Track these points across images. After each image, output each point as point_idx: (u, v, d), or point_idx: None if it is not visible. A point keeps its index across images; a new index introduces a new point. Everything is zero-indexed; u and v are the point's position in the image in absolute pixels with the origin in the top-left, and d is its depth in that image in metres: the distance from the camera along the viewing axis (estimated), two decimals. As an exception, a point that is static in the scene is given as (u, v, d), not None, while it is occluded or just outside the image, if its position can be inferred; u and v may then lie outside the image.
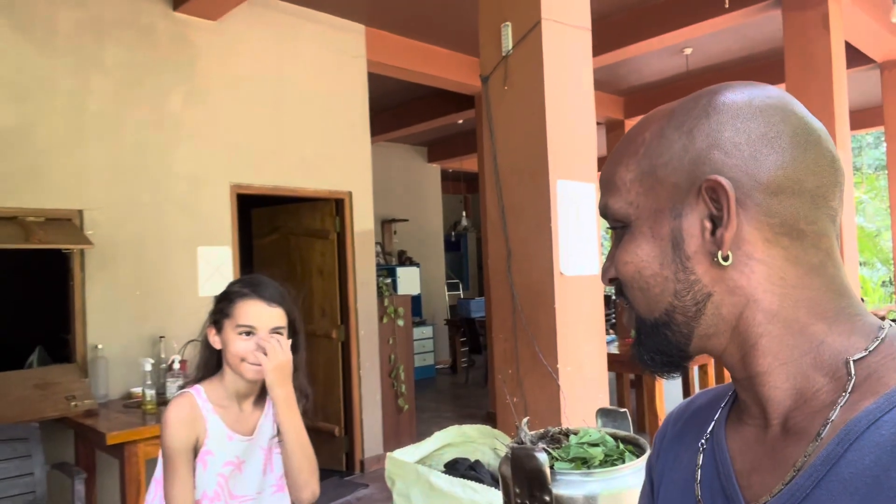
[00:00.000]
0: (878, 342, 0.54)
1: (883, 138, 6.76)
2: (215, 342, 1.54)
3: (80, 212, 3.54)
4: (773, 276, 0.56)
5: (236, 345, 1.49)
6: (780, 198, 0.55)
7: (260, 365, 1.49)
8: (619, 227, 0.63)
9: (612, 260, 0.65)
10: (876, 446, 0.48)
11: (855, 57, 5.66)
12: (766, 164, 0.55)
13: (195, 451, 1.49)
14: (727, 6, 4.39)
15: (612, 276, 0.65)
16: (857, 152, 13.94)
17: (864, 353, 0.53)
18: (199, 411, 1.51)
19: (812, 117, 0.58)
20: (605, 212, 0.65)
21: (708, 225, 0.57)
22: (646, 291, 0.61)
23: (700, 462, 0.64)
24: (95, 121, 3.65)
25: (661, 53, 6.01)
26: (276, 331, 1.53)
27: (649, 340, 0.62)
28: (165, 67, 3.95)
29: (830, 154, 0.57)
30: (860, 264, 10.97)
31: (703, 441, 0.65)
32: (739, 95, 0.58)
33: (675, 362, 0.62)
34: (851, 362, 0.53)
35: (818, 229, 0.56)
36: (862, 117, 7.95)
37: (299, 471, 1.51)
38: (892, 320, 0.61)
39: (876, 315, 0.58)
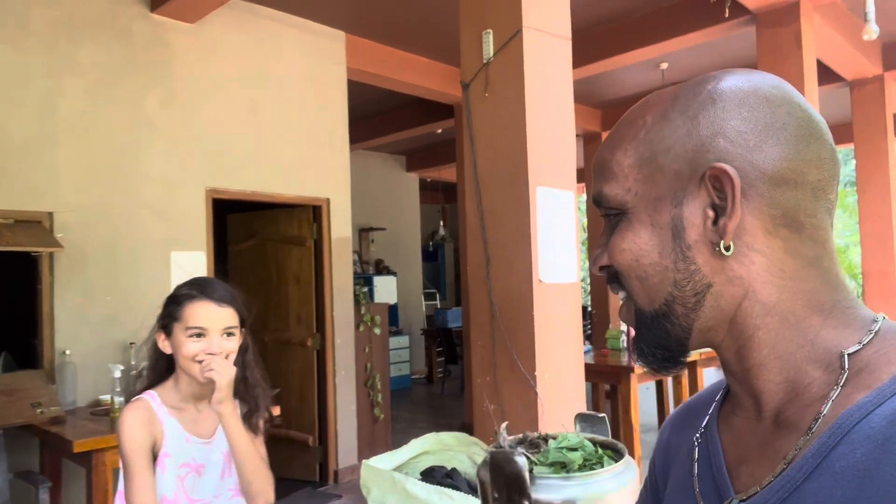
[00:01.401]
0: (871, 335, 0.54)
1: (852, 155, 6.92)
2: (165, 347, 1.52)
3: (51, 214, 3.46)
4: (772, 267, 0.56)
5: (188, 347, 1.47)
6: (782, 189, 0.55)
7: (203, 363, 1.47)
8: (614, 215, 0.61)
9: (604, 247, 0.62)
10: (867, 440, 0.48)
11: (826, 75, 5.79)
12: (770, 154, 0.55)
13: (154, 455, 1.46)
14: (727, 15, 4.45)
15: (605, 263, 0.63)
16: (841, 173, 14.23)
17: (857, 347, 0.53)
18: (154, 414, 1.49)
19: (813, 109, 0.58)
20: (599, 199, 0.62)
21: (710, 214, 0.56)
22: (644, 281, 0.59)
23: (696, 456, 0.64)
24: (68, 122, 3.58)
25: (638, 67, 6.10)
26: (227, 330, 1.51)
27: (649, 333, 0.60)
28: (141, 69, 3.89)
29: (831, 147, 0.58)
30: (830, 278, 11.16)
31: (697, 435, 0.65)
32: (745, 83, 0.57)
33: (675, 357, 0.61)
34: (846, 356, 0.53)
35: (816, 222, 0.56)
36: (833, 134, 8.09)
37: (249, 482, 1.50)
38: None
39: (874, 314, 0.58)
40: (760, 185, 0.55)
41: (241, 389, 1.59)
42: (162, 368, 1.56)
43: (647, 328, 0.61)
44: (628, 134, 0.61)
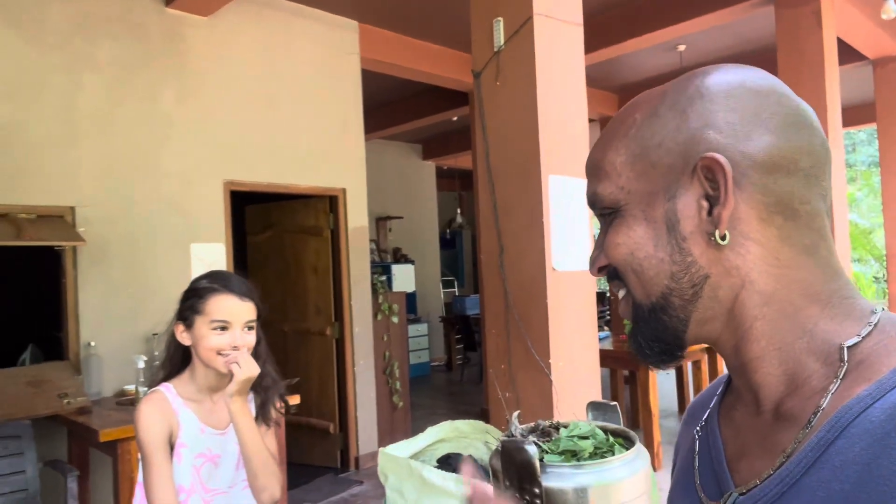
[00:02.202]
0: (871, 328, 0.54)
1: (876, 135, 6.78)
2: (184, 339, 1.54)
3: (73, 209, 3.53)
4: (767, 256, 0.56)
5: (212, 340, 1.49)
6: (774, 177, 0.55)
7: (227, 357, 1.50)
8: (609, 214, 0.62)
9: (600, 247, 0.63)
10: (866, 433, 0.48)
11: (847, 53, 5.68)
12: (760, 142, 0.55)
13: (171, 445, 1.50)
14: None
15: (602, 263, 0.63)
16: (850, 149, 13.98)
17: (857, 339, 0.53)
18: (169, 406, 1.52)
19: (802, 101, 0.59)
20: (593, 199, 0.63)
21: (704, 205, 0.56)
22: (640, 274, 0.59)
23: (697, 449, 0.65)
24: (87, 117, 3.64)
25: (655, 50, 6.02)
26: (248, 324, 1.54)
27: (646, 327, 0.61)
28: (158, 64, 3.93)
29: (821, 134, 0.58)
30: (854, 260, 11.02)
31: (698, 428, 0.66)
32: (733, 76, 0.58)
33: (672, 350, 0.61)
34: (845, 348, 0.53)
35: (811, 209, 0.56)
36: (854, 114, 7.98)
37: (255, 475, 1.52)
38: None
39: (873, 306, 0.57)
40: (752, 174, 0.55)
41: (255, 381, 1.62)
42: (178, 360, 1.59)
43: (644, 321, 0.61)
44: (619, 132, 0.61)
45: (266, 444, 1.60)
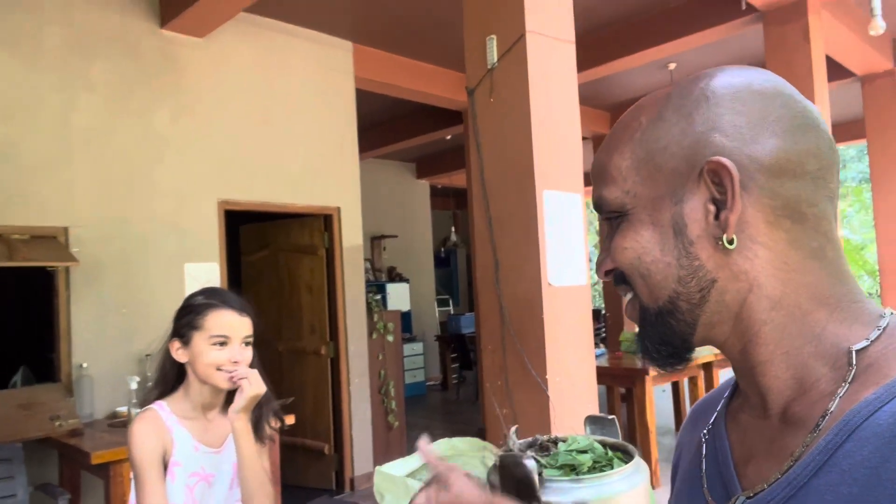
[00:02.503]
0: (879, 331, 0.53)
1: (866, 151, 6.85)
2: (179, 356, 1.53)
3: (66, 229, 3.52)
4: (776, 260, 0.55)
5: (211, 356, 1.48)
6: (781, 180, 0.55)
7: (233, 373, 1.48)
8: (615, 218, 0.61)
9: (607, 251, 0.62)
10: (875, 437, 0.47)
11: (836, 70, 5.75)
12: (767, 145, 0.55)
13: (164, 465, 1.48)
14: (744, 7, 4.43)
15: (609, 267, 0.63)
16: (840, 165, 14.11)
17: (866, 343, 0.53)
18: (163, 424, 1.50)
19: (808, 102, 0.58)
20: (599, 203, 0.63)
21: (711, 208, 0.56)
22: (647, 278, 0.59)
23: (704, 452, 0.64)
24: (82, 137, 3.64)
25: (646, 68, 6.08)
26: (246, 340, 1.54)
27: (653, 330, 0.60)
28: (152, 84, 3.94)
29: (828, 136, 0.58)
30: (847, 276, 11.04)
31: (705, 432, 0.65)
32: (738, 78, 0.58)
33: (680, 353, 0.61)
34: (853, 352, 0.52)
35: (818, 212, 0.56)
36: (844, 130, 8.06)
37: (251, 497, 1.50)
38: None
39: (881, 309, 0.57)
40: (759, 177, 0.54)
41: None
42: (172, 378, 1.57)
43: (651, 325, 0.61)
44: (624, 137, 0.61)
45: (262, 461, 1.59)
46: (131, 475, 1.49)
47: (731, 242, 0.55)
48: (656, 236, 0.58)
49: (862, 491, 0.46)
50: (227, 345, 1.49)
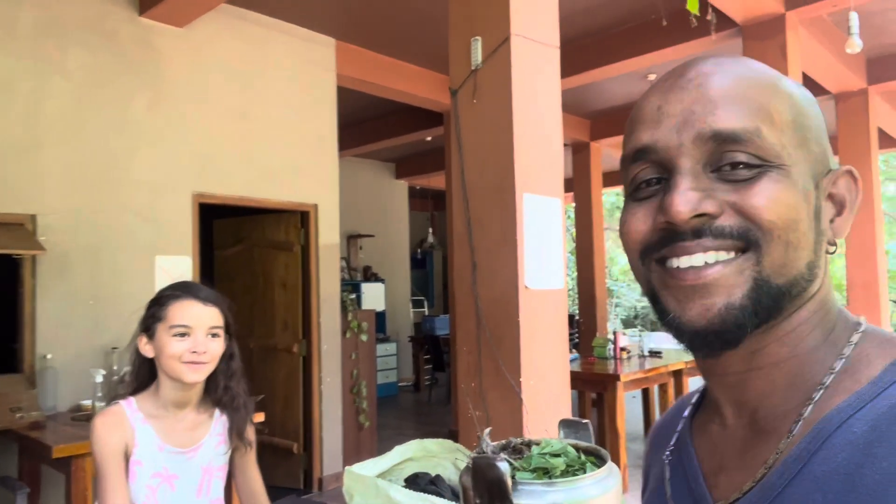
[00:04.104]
0: (859, 335, 0.54)
1: (837, 167, 7.00)
2: (147, 350, 1.49)
3: (34, 217, 3.43)
4: (829, 273, 0.56)
5: (172, 347, 1.44)
6: None
7: (199, 363, 1.44)
8: (756, 165, 0.51)
9: (706, 192, 0.51)
10: (848, 444, 0.47)
11: (811, 88, 5.86)
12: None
13: (126, 461, 1.44)
14: (713, 34, 4.50)
15: (713, 210, 0.51)
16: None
17: (850, 348, 0.53)
18: (126, 420, 1.45)
19: None
20: (750, 136, 0.51)
21: (832, 211, 0.56)
22: (792, 249, 0.51)
23: (668, 475, 0.63)
24: (54, 124, 3.55)
25: (626, 78, 6.14)
26: (212, 331, 1.48)
27: (761, 308, 0.51)
28: (129, 72, 3.87)
29: None
30: (814, 289, 11.26)
31: (668, 453, 0.64)
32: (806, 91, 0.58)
33: (737, 340, 0.52)
34: (841, 359, 0.53)
35: None
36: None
37: None
38: None
39: (857, 317, 0.58)
40: None
41: (226, 399, 1.57)
42: (145, 375, 1.53)
43: (762, 301, 0.51)
44: (774, 89, 0.54)
45: (253, 475, 1.59)
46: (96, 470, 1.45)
47: (834, 245, 0.55)
48: (808, 210, 0.52)
49: (837, 498, 0.46)
50: (190, 335, 1.45)
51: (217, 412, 1.58)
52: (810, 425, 0.50)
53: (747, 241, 0.51)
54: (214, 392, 1.56)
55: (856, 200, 0.56)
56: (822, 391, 0.51)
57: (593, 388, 4.97)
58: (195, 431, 1.53)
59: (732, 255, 0.51)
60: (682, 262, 0.52)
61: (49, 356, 3.38)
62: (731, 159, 0.51)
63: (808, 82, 5.52)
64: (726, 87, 0.52)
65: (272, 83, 4.61)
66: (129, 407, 1.48)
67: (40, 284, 3.43)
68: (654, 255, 0.55)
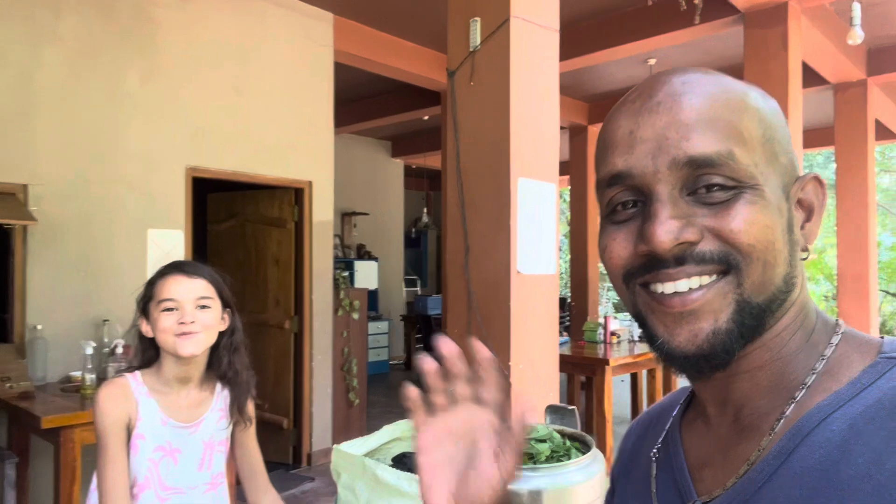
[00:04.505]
0: (839, 338, 0.55)
1: (833, 158, 7.01)
2: (147, 331, 1.51)
3: (25, 186, 3.40)
4: (805, 277, 0.58)
5: (161, 321, 1.45)
6: None
7: (190, 333, 1.45)
8: (731, 187, 0.52)
9: (684, 220, 0.52)
10: (826, 442, 0.49)
11: (810, 77, 5.84)
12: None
13: (128, 434, 1.44)
14: (697, 23, 4.47)
15: (693, 238, 0.52)
16: (807, 170, 14.45)
17: (831, 350, 0.54)
18: (130, 392, 1.47)
19: None
20: (723, 159, 0.51)
21: (802, 216, 0.57)
22: (769, 268, 0.52)
23: (654, 472, 0.63)
24: (46, 93, 3.51)
25: (626, 62, 6.10)
26: (200, 302, 1.49)
27: (745, 329, 0.53)
28: (123, 42, 3.82)
29: None
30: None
31: (655, 451, 0.65)
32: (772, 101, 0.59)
33: (726, 363, 0.54)
34: (822, 360, 0.54)
35: None
36: (814, 136, 8.23)
37: None
38: None
39: (836, 319, 0.59)
40: None
41: (230, 374, 1.58)
42: (151, 356, 1.54)
43: (745, 321, 0.53)
44: (743, 105, 0.54)
45: (253, 450, 1.62)
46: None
47: (806, 252, 0.56)
48: (782, 225, 0.53)
49: (813, 493, 0.47)
50: (178, 309, 1.46)
51: (219, 387, 1.59)
52: (791, 424, 0.52)
53: (728, 264, 0.52)
54: (218, 367, 1.57)
55: (823, 205, 0.58)
56: (803, 391, 0.53)
57: (583, 371, 5.01)
58: (198, 407, 1.55)
59: (714, 277, 0.52)
60: (667, 287, 0.53)
61: (39, 327, 3.38)
62: (706, 182, 0.52)
63: (808, 72, 5.50)
64: (697, 109, 0.53)
65: (269, 57, 4.56)
66: (135, 380, 1.49)
67: (31, 255, 3.41)
68: (637, 279, 0.55)
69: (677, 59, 6.12)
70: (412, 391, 0.63)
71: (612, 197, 0.56)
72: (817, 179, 0.58)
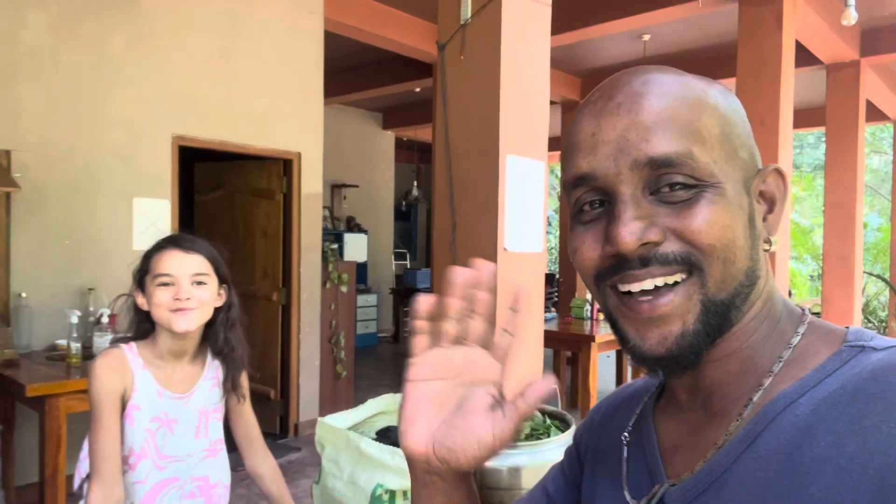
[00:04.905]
0: (805, 327, 0.57)
1: (823, 139, 7.02)
2: (143, 304, 1.51)
3: (8, 152, 3.35)
4: (770, 268, 0.59)
5: (157, 296, 1.45)
6: None
7: (185, 310, 1.45)
8: (695, 187, 0.53)
9: (647, 220, 0.53)
10: (791, 426, 0.50)
11: (804, 57, 5.82)
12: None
13: (123, 405, 1.45)
14: (700, 4, 4.42)
15: (655, 238, 0.53)
16: (798, 150, 14.47)
17: (797, 338, 0.56)
18: (127, 364, 1.48)
19: None
20: (682, 159, 0.53)
21: (763, 208, 0.58)
22: (730, 265, 0.54)
23: (626, 455, 0.65)
24: (29, 57, 3.44)
25: (620, 38, 6.05)
26: (196, 278, 1.49)
27: (709, 327, 0.54)
28: (108, 7, 3.73)
29: None
30: (792, 258, 11.44)
31: (626, 434, 0.66)
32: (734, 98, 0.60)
33: (694, 363, 0.55)
34: (789, 349, 0.56)
35: None
36: (806, 116, 8.23)
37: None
38: (815, 313, 0.63)
39: (801, 307, 0.60)
40: None
41: (225, 350, 1.59)
42: (145, 329, 1.54)
43: (709, 319, 0.54)
44: (702, 102, 0.55)
45: (250, 419, 1.67)
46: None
47: (768, 243, 0.58)
48: (742, 220, 0.54)
49: (777, 475, 0.49)
50: (173, 284, 1.46)
51: (209, 357, 1.60)
52: (758, 409, 0.53)
53: (690, 264, 0.53)
54: (214, 343, 1.58)
55: (785, 197, 0.59)
56: (770, 378, 0.54)
57: (569, 347, 5.06)
58: (191, 378, 1.57)
59: (680, 276, 0.54)
60: (634, 287, 0.55)
61: (24, 294, 3.36)
62: (668, 181, 0.53)
63: (801, 51, 5.48)
64: (656, 110, 0.54)
65: (257, 24, 4.48)
66: (130, 351, 1.49)
67: (15, 222, 3.38)
68: (607, 281, 0.57)
69: (671, 36, 6.07)
70: (425, 303, 0.58)
71: (578, 197, 0.58)
72: (778, 171, 0.59)
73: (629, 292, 0.55)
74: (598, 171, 0.55)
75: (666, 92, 0.55)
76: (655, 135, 0.53)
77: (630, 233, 0.53)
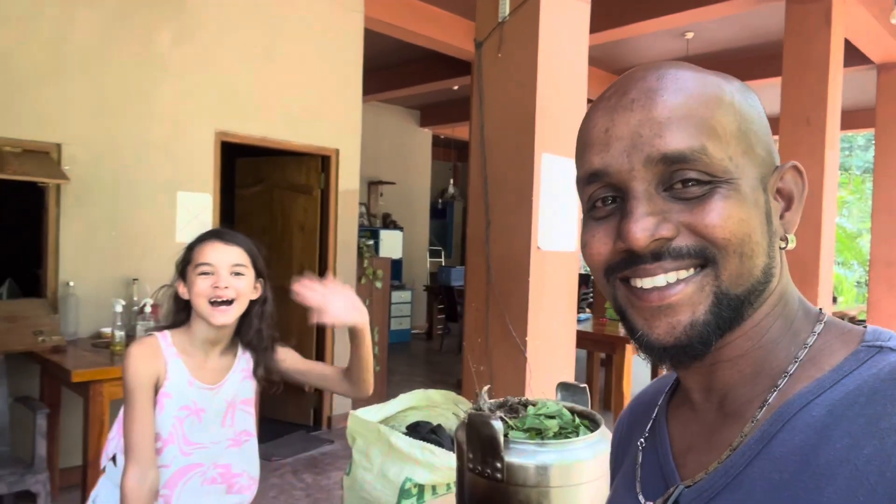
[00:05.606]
0: (822, 326, 0.56)
1: (873, 141, 6.79)
2: (184, 294, 1.56)
3: (59, 145, 3.47)
4: (786, 266, 0.58)
5: (197, 284, 1.51)
6: None
7: (224, 303, 1.49)
8: (709, 182, 0.53)
9: (660, 215, 0.53)
10: (807, 427, 0.50)
11: (853, 56, 5.65)
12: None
13: (155, 392, 1.50)
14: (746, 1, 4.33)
15: (668, 234, 0.53)
16: (847, 153, 14.02)
17: (813, 338, 0.55)
18: (160, 352, 1.52)
19: None
20: (696, 155, 0.52)
21: (782, 205, 0.57)
22: (747, 260, 0.53)
23: (640, 460, 0.65)
24: (79, 53, 3.55)
25: (663, 35, 5.96)
26: (235, 269, 1.54)
27: (722, 321, 0.54)
28: (156, 5, 3.83)
29: None
30: (838, 264, 11.11)
31: (641, 440, 0.66)
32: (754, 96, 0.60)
33: (703, 354, 0.55)
34: (804, 349, 0.55)
35: None
36: (854, 118, 7.97)
37: (364, 379, 1.84)
38: (861, 321, 0.62)
39: (846, 315, 0.59)
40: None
41: (255, 341, 1.64)
42: (182, 318, 1.59)
43: (722, 313, 0.54)
44: (715, 96, 0.55)
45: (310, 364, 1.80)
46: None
47: (785, 241, 0.57)
48: (757, 218, 0.54)
49: (792, 477, 0.48)
50: (213, 274, 1.51)
51: (240, 350, 1.65)
52: (773, 410, 0.53)
53: (704, 258, 0.53)
54: (247, 333, 1.63)
55: (803, 194, 0.58)
56: (786, 378, 0.54)
57: (603, 348, 5.01)
58: (222, 369, 1.61)
59: (692, 271, 0.53)
60: (646, 283, 0.54)
61: (71, 283, 3.48)
62: (681, 177, 0.53)
63: (851, 50, 5.31)
64: (670, 106, 0.53)
65: (298, 22, 4.54)
66: (164, 340, 1.54)
67: (64, 213, 3.50)
68: (617, 274, 0.57)
69: (715, 34, 5.96)
70: None
71: (591, 193, 0.58)
72: (796, 168, 0.58)
73: (641, 287, 0.55)
74: (611, 167, 0.54)
75: (681, 88, 0.54)
76: (669, 130, 0.53)
77: (642, 229, 0.52)
